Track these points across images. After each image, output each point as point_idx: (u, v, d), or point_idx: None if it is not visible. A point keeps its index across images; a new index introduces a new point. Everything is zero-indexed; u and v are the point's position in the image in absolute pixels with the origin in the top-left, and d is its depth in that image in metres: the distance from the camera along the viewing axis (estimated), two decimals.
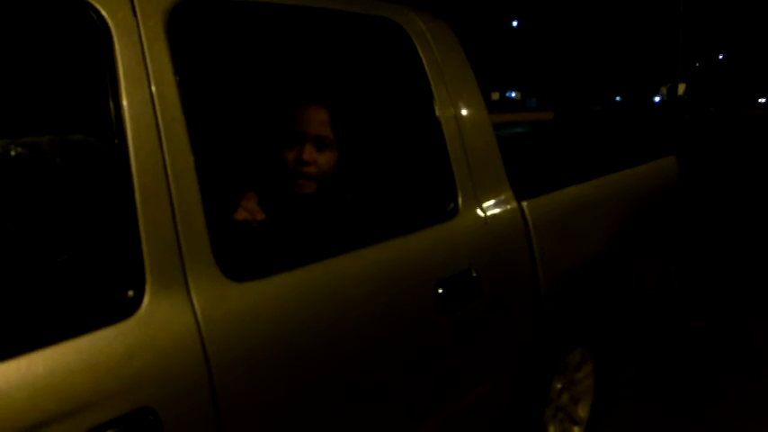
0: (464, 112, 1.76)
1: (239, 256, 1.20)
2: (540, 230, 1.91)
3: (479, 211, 1.72)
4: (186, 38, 1.16)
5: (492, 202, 1.77)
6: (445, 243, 1.60)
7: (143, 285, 1.01)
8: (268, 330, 1.16)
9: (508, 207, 1.82)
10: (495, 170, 1.84)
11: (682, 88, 25.27)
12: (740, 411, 2.74)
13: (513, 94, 44.46)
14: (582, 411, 2.45)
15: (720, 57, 47.72)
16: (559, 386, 2.27)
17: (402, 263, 1.47)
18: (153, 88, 1.08)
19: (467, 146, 1.74)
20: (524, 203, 1.88)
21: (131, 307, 0.99)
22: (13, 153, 0.96)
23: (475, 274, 1.63)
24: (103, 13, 1.03)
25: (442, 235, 1.61)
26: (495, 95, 35.50)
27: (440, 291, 1.53)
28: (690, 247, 5.25)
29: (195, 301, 1.06)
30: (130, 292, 1.00)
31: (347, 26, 1.63)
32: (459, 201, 1.68)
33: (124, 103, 1.04)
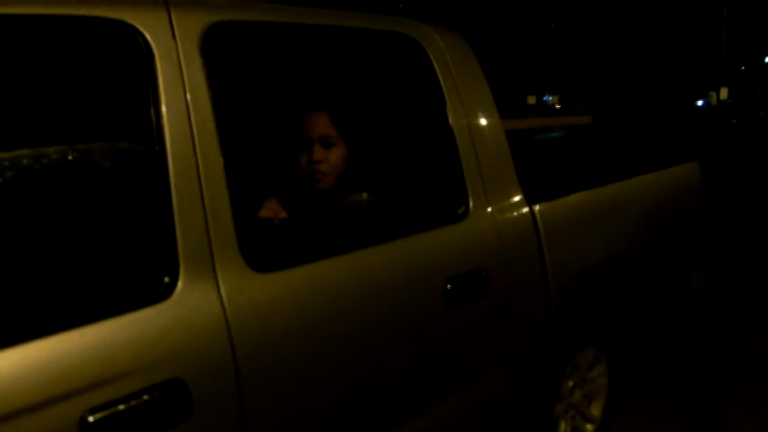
0: (477, 120, 1.88)
1: (262, 250, 1.35)
2: (551, 233, 2.01)
3: (489, 214, 1.83)
4: (217, 56, 1.31)
5: (502, 205, 1.88)
6: (455, 243, 1.72)
7: (177, 273, 1.17)
8: (287, 316, 1.30)
9: (518, 210, 1.93)
10: (507, 176, 1.95)
11: (725, 92, 24.70)
12: (757, 418, 2.76)
13: (550, 98, 44.02)
14: (595, 410, 2.51)
15: (767, 60, 46.38)
16: (571, 384, 2.35)
17: (413, 259, 1.60)
18: (189, 101, 1.24)
19: (479, 153, 1.86)
20: (536, 207, 1.99)
21: (167, 292, 1.15)
22: (69, 157, 1.13)
23: (483, 274, 1.75)
24: (148, 36, 1.19)
25: (451, 235, 1.73)
26: (532, 99, 35.23)
27: (448, 287, 1.65)
28: (714, 252, 5.24)
29: (222, 289, 1.21)
30: (166, 279, 1.16)
31: (366, 42, 1.77)
32: (470, 204, 1.80)
33: (164, 114, 1.20)
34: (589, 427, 2.48)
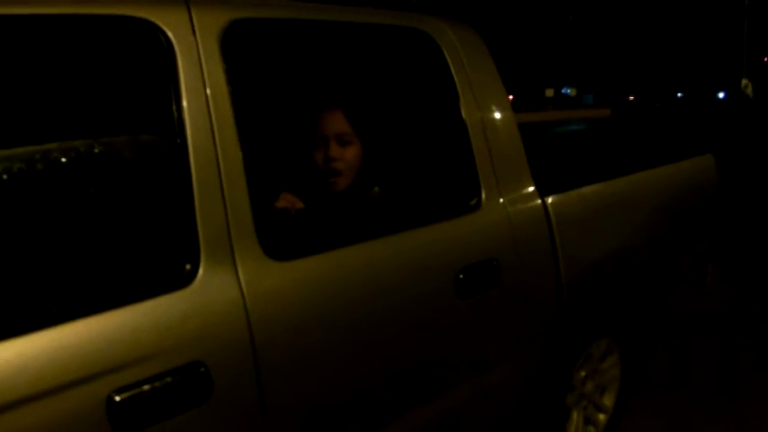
0: (489, 113, 1.91)
1: (280, 239, 1.39)
2: (563, 225, 2.03)
3: (501, 206, 1.86)
4: (236, 53, 1.36)
5: (514, 197, 1.91)
6: (467, 234, 1.76)
7: (198, 261, 1.22)
8: (303, 302, 1.35)
9: (530, 202, 1.96)
10: (519, 168, 1.98)
11: (745, 83, 24.33)
12: None
13: (569, 91, 43.57)
14: (608, 400, 2.54)
15: None
16: (584, 374, 2.38)
17: (425, 249, 1.64)
18: (209, 96, 1.28)
19: (491, 145, 1.89)
20: (548, 199, 2.02)
21: (188, 279, 1.20)
22: (96, 150, 1.18)
23: (494, 264, 1.78)
24: (170, 35, 1.24)
25: (463, 226, 1.77)
26: (550, 92, 34.97)
27: (460, 276, 1.68)
28: (732, 245, 5.21)
29: (241, 276, 1.26)
30: (188, 266, 1.21)
31: (380, 37, 1.81)
32: (483, 196, 1.83)
33: (185, 109, 1.25)
34: (601, 417, 2.50)
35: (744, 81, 24.53)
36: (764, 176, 9.13)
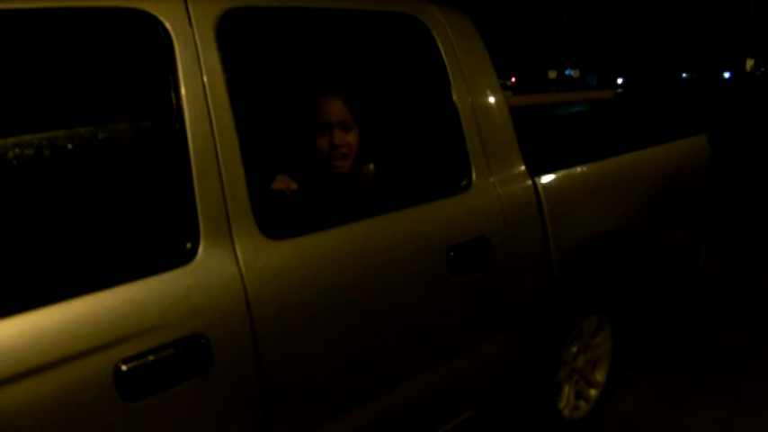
0: (479, 96, 1.97)
1: (275, 219, 1.47)
2: (553, 203, 2.10)
3: (492, 186, 1.93)
4: (231, 41, 1.42)
5: (504, 177, 1.98)
6: (458, 213, 1.83)
7: (198, 240, 1.29)
8: (298, 278, 1.43)
9: (520, 182, 2.02)
10: (509, 149, 2.04)
11: (750, 63, 24.15)
12: (761, 384, 2.83)
13: (572, 72, 43.28)
14: (599, 375, 2.60)
15: None
16: (575, 350, 2.44)
17: (417, 228, 1.71)
18: (206, 84, 1.35)
19: (481, 127, 1.95)
20: (538, 179, 2.08)
21: (189, 256, 1.28)
22: (99, 137, 1.25)
23: (485, 242, 1.85)
24: (167, 25, 1.31)
25: (455, 206, 1.84)
26: (553, 74, 34.71)
27: (451, 254, 1.76)
28: (726, 225, 5.26)
29: (238, 253, 1.34)
30: (188, 245, 1.28)
31: (372, 23, 1.87)
32: (473, 176, 1.90)
33: (183, 96, 1.31)
34: (592, 392, 2.57)
35: (749, 61, 24.37)
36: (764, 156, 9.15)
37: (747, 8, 27.48)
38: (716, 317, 3.60)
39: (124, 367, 1.16)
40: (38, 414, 1.08)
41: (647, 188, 2.63)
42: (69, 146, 1.23)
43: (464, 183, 1.88)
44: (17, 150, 1.15)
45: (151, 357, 1.19)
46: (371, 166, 1.86)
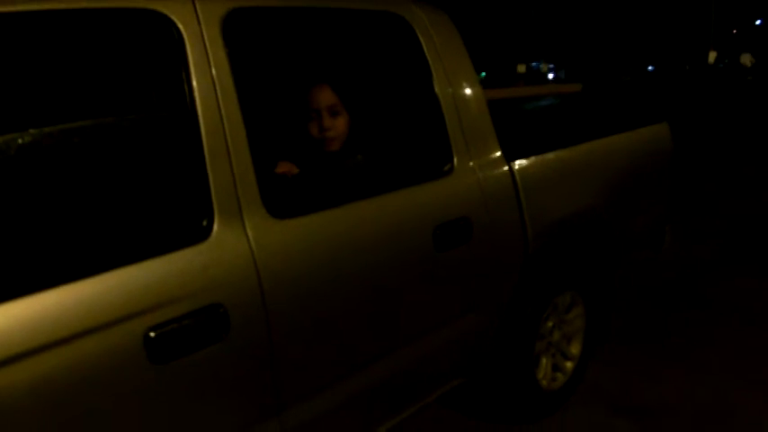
0: (459, 88, 2.13)
1: (280, 200, 1.60)
2: (528, 186, 2.27)
3: (472, 170, 2.09)
4: (236, 37, 1.55)
5: (483, 162, 2.14)
6: (442, 195, 1.99)
7: (212, 220, 1.43)
8: (302, 253, 1.58)
9: (498, 166, 2.19)
10: (487, 137, 2.20)
11: (713, 56, 24.85)
12: (726, 356, 3.02)
13: (540, 66, 43.88)
14: (574, 349, 2.77)
15: (758, 22, 46.18)
16: (551, 324, 2.62)
17: (406, 208, 1.87)
18: (214, 76, 1.48)
19: (462, 117, 2.11)
20: (514, 163, 2.25)
21: (206, 233, 1.41)
22: (123, 125, 1.38)
23: (467, 221, 2.01)
24: (180, 26, 1.44)
25: (439, 189, 2.00)
26: (522, 68, 35.16)
27: (437, 232, 1.91)
28: (688, 207, 5.50)
29: (248, 231, 1.48)
30: (205, 222, 1.42)
31: (360, 21, 2.01)
32: (455, 161, 2.06)
33: (194, 88, 1.44)
34: (568, 364, 2.74)
35: (712, 53, 25.06)
36: (725, 141, 9.51)
37: (709, 2, 28.23)
38: (684, 296, 3.80)
39: (152, 334, 1.29)
40: (80, 374, 1.20)
41: (614, 172, 2.81)
42: (103, 135, 1.37)
43: (447, 167, 2.04)
44: (75, 138, 1.30)
45: (175, 325, 1.32)
46: (360, 157, 2.02)
